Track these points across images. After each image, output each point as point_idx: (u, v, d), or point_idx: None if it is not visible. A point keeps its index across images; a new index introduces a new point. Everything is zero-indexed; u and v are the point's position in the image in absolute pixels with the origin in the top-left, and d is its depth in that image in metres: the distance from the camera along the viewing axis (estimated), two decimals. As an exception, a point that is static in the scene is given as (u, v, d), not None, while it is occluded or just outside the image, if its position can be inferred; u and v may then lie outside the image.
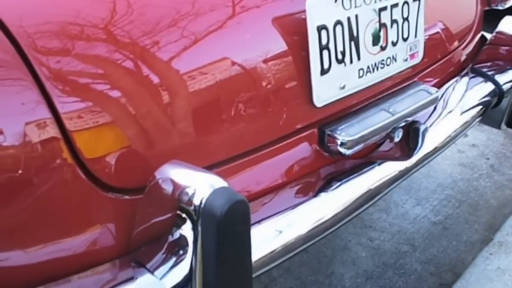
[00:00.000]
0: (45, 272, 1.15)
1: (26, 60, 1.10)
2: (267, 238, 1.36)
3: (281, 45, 1.43)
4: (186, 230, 1.16)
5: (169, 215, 1.16)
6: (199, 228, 1.07)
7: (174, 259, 1.17)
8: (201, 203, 1.07)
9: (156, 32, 1.23)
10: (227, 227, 1.05)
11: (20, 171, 1.07)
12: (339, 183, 1.54)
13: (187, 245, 1.16)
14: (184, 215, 1.14)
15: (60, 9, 1.17)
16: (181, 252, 1.17)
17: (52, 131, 1.09)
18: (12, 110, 1.08)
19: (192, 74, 1.26)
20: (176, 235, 1.18)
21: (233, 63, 1.34)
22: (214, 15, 1.32)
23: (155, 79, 1.21)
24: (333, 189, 1.52)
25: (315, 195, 1.51)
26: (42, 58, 1.11)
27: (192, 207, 1.08)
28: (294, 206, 1.46)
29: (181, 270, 1.16)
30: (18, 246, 1.13)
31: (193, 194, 1.09)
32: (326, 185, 1.54)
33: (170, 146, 1.23)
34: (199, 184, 1.09)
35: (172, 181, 1.13)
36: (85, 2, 1.20)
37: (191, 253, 1.14)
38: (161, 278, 1.15)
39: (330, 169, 1.57)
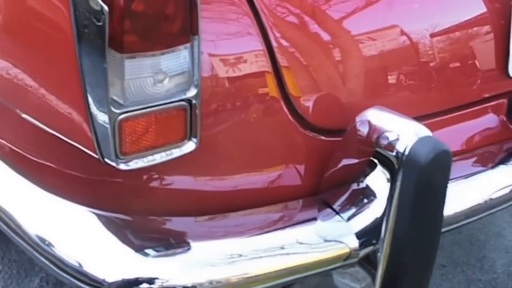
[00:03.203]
0: (232, 201, 1.18)
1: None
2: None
3: (481, 11, 1.39)
4: (376, 176, 1.15)
5: (363, 160, 1.15)
6: (400, 174, 1.05)
7: (361, 203, 1.18)
8: (405, 150, 1.05)
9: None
10: (430, 176, 1.05)
11: (231, 99, 1.11)
12: (521, 157, 1.48)
13: (375, 190, 1.16)
14: (376, 161, 1.14)
15: None
16: (368, 197, 1.17)
17: (264, 63, 1.10)
18: (228, 38, 1.09)
19: (395, 31, 1.25)
20: (366, 180, 1.17)
21: (432, 24, 1.31)
22: None
23: (364, 30, 1.21)
24: (514, 163, 1.47)
25: (494, 167, 1.45)
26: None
27: (394, 153, 1.08)
28: (470, 175, 1.41)
29: (369, 215, 1.15)
30: (214, 172, 1.16)
31: (396, 140, 1.08)
32: (507, 158, 1.48)
33: (370, 94, 1.22)
34: (403, 131, 1.08)
35: (374, 125, 1.14)
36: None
37: (381, 199, 1.14)
38: (347, 220, 1.14)
39: (514, 142, 1.52)
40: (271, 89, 1.12)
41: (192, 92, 0.99)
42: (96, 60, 0.93)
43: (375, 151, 1.13)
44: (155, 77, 0.95)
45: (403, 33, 1.24)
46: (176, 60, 0.95)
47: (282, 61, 1.11)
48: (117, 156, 0.97)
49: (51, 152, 1.18)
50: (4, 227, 1.19)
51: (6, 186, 1.22)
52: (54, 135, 1.12)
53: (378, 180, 1.15)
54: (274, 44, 1.12)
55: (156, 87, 0.96)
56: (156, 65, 0.94)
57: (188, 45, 0.95)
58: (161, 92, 0.96)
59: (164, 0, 0.91)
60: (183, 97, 0.99)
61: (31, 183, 1.20)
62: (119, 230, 1.10)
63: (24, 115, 1.19)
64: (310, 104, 1.15)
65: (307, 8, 1.19)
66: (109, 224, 1.10)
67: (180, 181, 1.14)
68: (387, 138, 1.10)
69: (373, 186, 1.17)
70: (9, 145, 1.26)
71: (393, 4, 1.25)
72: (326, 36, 1.19)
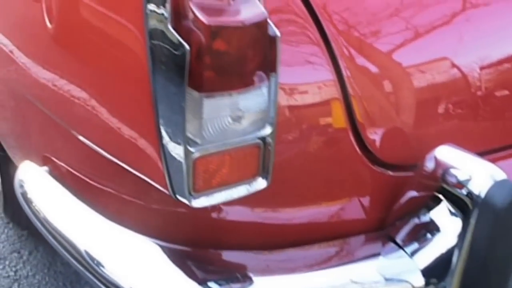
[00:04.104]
0: (293, 235, 1.16)
1: (317, 21, 1.09)
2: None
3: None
4: (441, 212, 1.14)
5: (427, 194, 1.14)
6: (474, 216, 1.04)
7: (425, 238, 1.16)
8: (480, 192, 1.03)
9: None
10: (507, 220, 1.03)
11: (298, 129, 1.10)
12: None
13: (440, 225, 1.14)
14: (441, 197, 1.12)
15: None
16: (432, 232, 1.16)
17: (334, 94, 1.10)
18: (297, 67, 1.08)
19: (465, 63, 1.22)
20: (430, 215, 1.16)
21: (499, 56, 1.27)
22: None
23: (438, 62, 1.18)
24: None
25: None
26: (333, 23, 1.11)
27: (464, 192, 1.07)
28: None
29: (434, 251, 1.13)
30: (276, 205, 1.14)
31: (468, 180, 1.06)
32: None
33: (440, 129, 1.20)
34: (477, 172, 1.06)
35: (443, 162, 1.11)
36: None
37: (446, 234, 1.12)
38: (411, 255, 1.13)
39: None
40: (340, 120, 1.10)
41: (267, 131, 0.97)
42: (173, 98, 0.91)
43: (441, 187, 1.11)
44: (232, 115, 0.93)
45: (473, 66, 1.20)
46: (254, 98, 0.93)
47: (352, 92, 1.09)
48: (190, 193, 0.95)
49: (112, 178, 1.17)
50: (63, 251, 1.18)
51: (67, 212, 1.20)
52: (115, 162, 1.10)
53: (442, 215, 1.13)
54: (344, 74, 1.09)
55: (233, 126, 0.94)
56: (234, 104, 0.92)
57: (266, 83, 0.93)
58: (238, 130, 0.94)
59: (247, 38, 0.89)
60: (258, 135, 0.96)
61: (90, 208, 1.18)
62: (182, 262, 1.09)
63: (81, 137, 1.17)
64: (378, 138, 1.13)
65: (378, 35, 1.16)
66: (172, 255, 1.09)
67: (241, 214, 1.13)
68: (457, 177, 1.08)
69: (438, 221, 1.14)
70: (67, 167, 1.24)
71: (469, 33, 1.21)
72: (395, 67, 1.16)
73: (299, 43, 1.09)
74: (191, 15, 0.87)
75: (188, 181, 0.94)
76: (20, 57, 1.32)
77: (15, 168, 1.44)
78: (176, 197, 0.97)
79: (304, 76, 1.09)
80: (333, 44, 1.10)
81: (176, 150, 0.93)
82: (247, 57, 0.90)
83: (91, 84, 1.11)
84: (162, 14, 0.88)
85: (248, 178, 0.99)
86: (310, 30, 1.09)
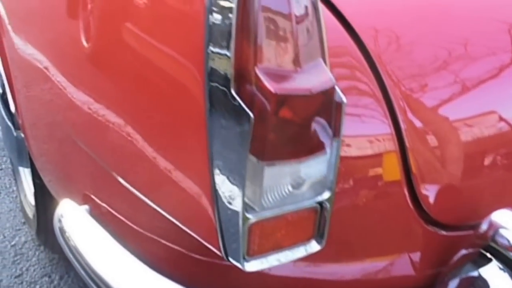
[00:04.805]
0: None
1: (375, 72, 1.05)
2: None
3: None
4: (489, 270, 1.11)
5: (475, 251, 1.11)
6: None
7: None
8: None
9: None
10: None
11: (353, 181, 1.06)
12: None
13: (490, 284, 1.11)
14: (488, 255, 1.10)
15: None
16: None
17: (391, 147, 1.06)
18: (356, 120, 1.06)
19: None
20: (476, 272, 1.12)
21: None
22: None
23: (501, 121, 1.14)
24: None
25: None
26: (389, 74, 1.07)
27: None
28: None
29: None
30: (322, 260, 1.10)
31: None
32: None
33: (496, 189, 1.16)
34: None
35: (498, 225, 1.09)
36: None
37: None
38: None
39: None
40: (395, 175, 1.07)
41: (325, 196, 0.93)
42: (232, 162, 0.87)
43: (489, 245, 1.09)
44: (293, 183, 0.90)
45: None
46: (316, 166, 0.90)
47: (409, 146, 1.06)
48: (243, 258, 0.92)
49: (153, 223, 1.14)
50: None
51: (105, 254, 1.17)
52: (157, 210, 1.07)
53: (492, 273, 1.11)
54: (402, 127, 1.06)
55: (292, 193, 0.90)
56: (296, 172, 0.89)
57: (329, 150, 0.89)
58: (296, 196, 0.91)
59: (313, 107, 0.85)
60: (316, 200, 0.93)
61: (130, 253, 1.15)
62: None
63: (120, 179, 1.13)
64: (432, 195, 1.10)
65: (433, 87, 1.12)
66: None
67: (286, 269, 1.10)
68: (510, 240, 1.06)
69: (487, 279, 1.12)
70: (108, 208, 1.21)
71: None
72: (449, 121, 1.12)
73: (357, 95, 1.05)
74: (256, 81, 0.83)
75: (243, 246, 0.91)
76: (56, 75, 1.28)
77: (50, 193, 1.41)
78: (228, 259, 0.94)
79: (360, 128, 1.06)
80: (391, 96, 1.05)
81: (232, 215, 0.90)
82: (312, 125, 0.86)
83: (134, 123, 1.07)
84: (225, 55, 0.83)
85: (302, 241, 0.96)
86: (365, 81, 1.05)
